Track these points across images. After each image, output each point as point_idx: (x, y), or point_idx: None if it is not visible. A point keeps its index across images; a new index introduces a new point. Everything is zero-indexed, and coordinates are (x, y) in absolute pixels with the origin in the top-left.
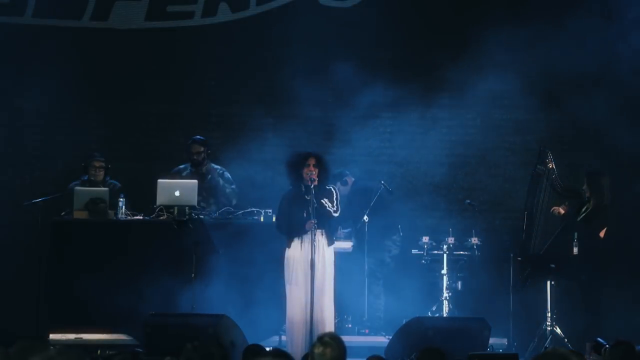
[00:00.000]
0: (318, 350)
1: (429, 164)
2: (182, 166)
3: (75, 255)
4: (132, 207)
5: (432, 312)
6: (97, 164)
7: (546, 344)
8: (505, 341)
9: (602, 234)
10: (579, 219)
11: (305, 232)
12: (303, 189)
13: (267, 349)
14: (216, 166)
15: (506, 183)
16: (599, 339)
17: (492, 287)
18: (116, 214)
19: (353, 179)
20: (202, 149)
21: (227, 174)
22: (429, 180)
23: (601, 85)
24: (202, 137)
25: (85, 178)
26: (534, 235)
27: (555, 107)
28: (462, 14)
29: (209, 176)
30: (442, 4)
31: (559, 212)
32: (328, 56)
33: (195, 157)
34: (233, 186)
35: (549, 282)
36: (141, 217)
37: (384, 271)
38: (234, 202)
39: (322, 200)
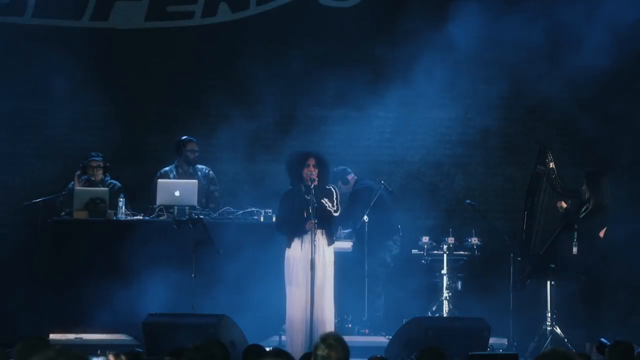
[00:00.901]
0: (322, 352)
1: (428, 164)
2: (167, 168)
3: (75, 255)
4: (132, 207)
5: (432, 312)
6: (94, 164)
7: (546, 344)
8: (505, 341)
9: (601, 234)
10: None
11: (306, 232)
12: (303, 189)
13: (267, 349)
14: (201, 166)
15: (506, 183)
16: (602, 339)
17: (492, 287)
18: (116, 214)
19: (355, 178)
20: (197, 147)
21: (212, 173)
22: (429, 180)
23: (605, 84)
24: (193, 138)
25: (85, 178)
26: (534, 235)
27: (555, 106)
28: (459, 12)
29: (198, 174)
30: (441, 3)
31: (561, 206)
32: (328, 56)
33: (194, 155)
34: (217, 187)
35: (549, 282)
36: (141, 217)
37: (385, 271)
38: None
39: (322, 200)
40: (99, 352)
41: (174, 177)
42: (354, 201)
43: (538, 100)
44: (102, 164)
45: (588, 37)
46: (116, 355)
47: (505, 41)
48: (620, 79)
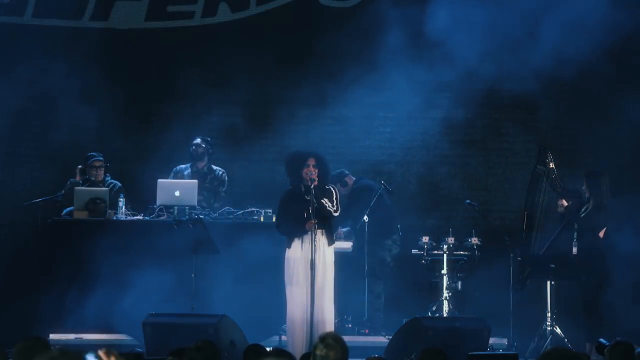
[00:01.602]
0: (321, 352)
1: (429, 164)
2: (183, 166)
3: (75, 255)
4: (132, 207)
5: (432, 312)
6: (96, 164)
7: (546, 344)
8: (505, 341)
9: (601, 234)
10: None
11: (306, 232)
12: (303, 189)
13: (268, 349)
14: (216, 167)
15: (506, 183)
16: (601, 339)
17: (492, 287)
18: (116, 214)
19: (353, 179)
20: (201, 142)
21: (225, 175)
22: (429, 180)
23: (606, 84)
24: (203, 136)
25: (86, 177)
26: (534, 235)
27: (555, 106)
28: (459, 13)
29: (211, 176)
30: (443, 2)
31: (562, 204)
32: (328, 56)
33: (193, 149)
34: (225, 188)
35: (549, 282)
36: (141, 217)
37: (385, 270)
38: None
39: (322, 200)
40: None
41: (189, 175)
42: (353, 201)
43: (538, 100)
44: (103, 164)
45: (588, 36)
46: (107, 352)
47: (506, 42)
48: (621, 77)
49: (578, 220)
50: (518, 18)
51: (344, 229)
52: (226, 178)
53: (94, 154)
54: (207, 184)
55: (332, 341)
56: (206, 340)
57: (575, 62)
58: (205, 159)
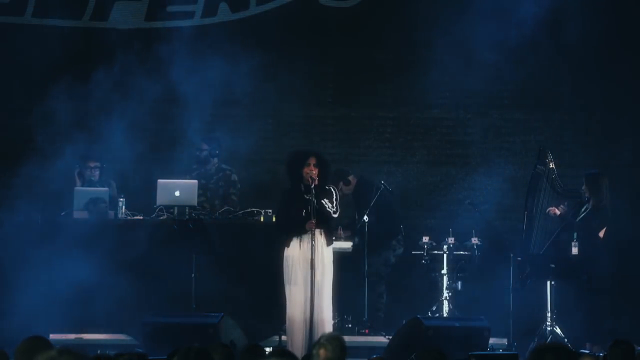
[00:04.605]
0: (320, 352)
1: (429, 164)
2: (194, 166)
3: (75, 255)
4: (132, 207)
5: (432, 312)
6: (92, 165)
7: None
8: (505, 341)
9: (601, 234)
10: (578, 219)
11: (305, 232)
12: (303, 189)
13: (267, 349)
14: (225, 166)
15: (506, 183)
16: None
17: (492, 287)
18: (116, 214)
19: (356, 179)
20: (206, 146)
21: (235, 176)
22: (429, 180)
23: (607, 83)
24: (209, 136)
25: (84, 179)
26: (534, 235)
27: (555, 106)
28: (459, 12)
29: (217, 176)
30: (443, 1)
31: (554, 213)
32: (328, 55)
33: (199, 153)
34: (237, 191)
35: (549, 282)
36: (141, 217)
37: (389, 270)
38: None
39: (322, 201)
40: (98, 352)
41: (197, 175)
42: (357, 197)
43: (538, 100)
44: (99, 165)
45: (591, 33)
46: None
47: (505, 42)
48: (621, 77)
49: (577, 221)
50: (517, 18)
51: (346, 234)
52: (236, 178)
53: (89, 154)
54: (212, 185)
55: (330, 340)
56: (213, 342)
57: (575, 62)
58: (214, 160)
